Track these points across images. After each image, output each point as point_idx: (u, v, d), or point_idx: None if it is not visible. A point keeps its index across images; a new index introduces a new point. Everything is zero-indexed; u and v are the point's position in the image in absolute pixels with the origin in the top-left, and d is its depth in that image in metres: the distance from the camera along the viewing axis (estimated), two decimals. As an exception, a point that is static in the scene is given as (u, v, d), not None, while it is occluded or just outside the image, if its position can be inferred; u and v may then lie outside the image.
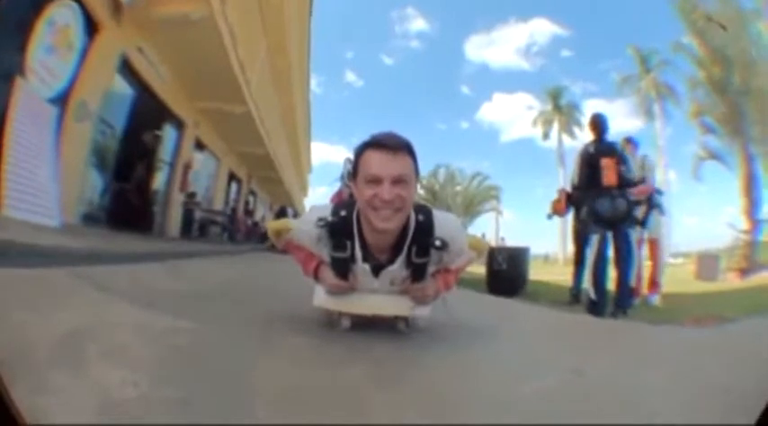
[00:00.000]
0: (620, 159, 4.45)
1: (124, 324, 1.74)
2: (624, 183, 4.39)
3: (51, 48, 4.67)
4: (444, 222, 1.87)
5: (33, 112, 4.32)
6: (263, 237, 15.92)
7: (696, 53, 18.52)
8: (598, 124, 4.71)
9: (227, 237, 12.56)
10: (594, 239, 4.42)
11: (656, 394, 1.48)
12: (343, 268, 1.90)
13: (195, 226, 10.74)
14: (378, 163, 1.67)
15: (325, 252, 1.94)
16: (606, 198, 4.32)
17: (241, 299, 3.19)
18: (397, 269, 1.87)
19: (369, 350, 1.81)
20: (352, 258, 1.86)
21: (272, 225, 2.19)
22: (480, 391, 1.47)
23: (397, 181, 1.66)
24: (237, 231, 13.97)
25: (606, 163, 4.39)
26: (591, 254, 4.43)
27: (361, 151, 1.75)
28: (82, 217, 6.17)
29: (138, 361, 1.30)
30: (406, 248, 1.83)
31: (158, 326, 1.76)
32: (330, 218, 1.84)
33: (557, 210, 5.47)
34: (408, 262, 1.86)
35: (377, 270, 1.87)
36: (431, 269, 1.95)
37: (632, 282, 4.72)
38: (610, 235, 4.41)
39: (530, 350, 2.33)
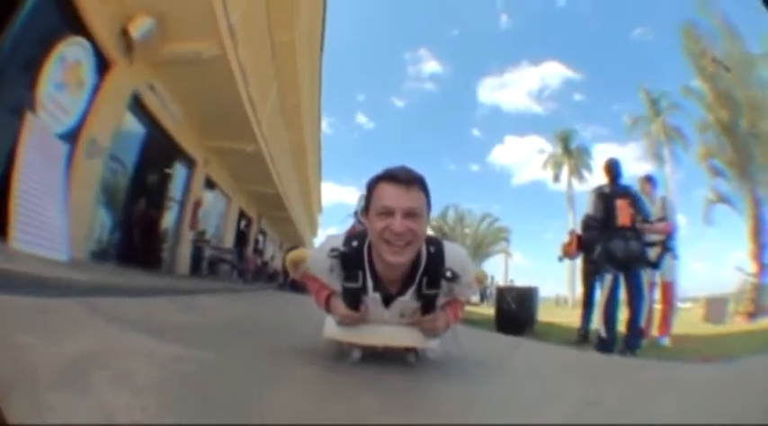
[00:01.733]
0: (634, 200, 4.50)
1: (132, 352, 1.73)
2: (641, 221, 4.43)
3: (62, 85, 4.71)
4: (454, 254, 1.88)
5: (44, 147, 4.32)
6: (273, 276, 15.85)
7: (705, 97, 18.85)
8: (612, 169, 4.76)
9: (236, 276, 12.45)
10: (607, 279, 4.43)
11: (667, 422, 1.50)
12: (354, 298, 1.89)
13: (204, 264, 10.67)
14: (390, 195, 1.69)
15: (337, 283, 1.92)
16: (620, 239, 4.33)
17: (250, 333, 3.19)
18: (408, 300, 1.86)
19: (379, 381, 1.79)
20: (364, 289, 1.84)
21: (290, 255, 2.17)
22: (493, 420, 1.44)
23: (409, 214, 1.66)
24: (247, 270, 13.87)
25: (620, 204, 4.45)
26: (603, 294, 4.45)
27: (374, 184, 1.77)
28: (90, 254, 6.11)
29: (146, 387, 1.26)
30: (417, 279, 1.82)
31: (167, 355, 1.74)
32: (342, 249, 1.84)
33: (567, 253, 5.53)
34: (419, 294, 1.84)
35: (387, 301, 1.86)
36: (441, 301, 1.95)
37: (642, 323, 4.65)
38: (621, 276, 4.41)
39: (540, 383, 2.35)
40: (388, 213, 1.66)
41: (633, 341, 4.24)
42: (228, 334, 2.95)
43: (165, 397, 1.21)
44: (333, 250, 1.84)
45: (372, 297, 1.85)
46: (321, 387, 1.68)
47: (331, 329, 2.01)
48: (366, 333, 1.96)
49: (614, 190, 4.58)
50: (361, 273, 1.83)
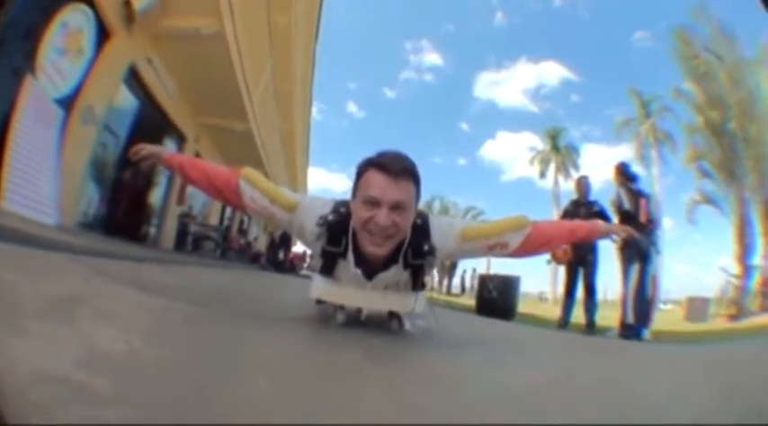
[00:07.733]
0: (648, 202, 5.17)
1: (119, 298, 1.75)
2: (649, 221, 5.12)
3: (62, 51, 4.75)
4: (439, 228, 1.83)
5: (40, 110, 4.37)
6: (255, 257, 15.87)
7: (695, 98, 19.18)
8: (630, 172, 5.46)
9: (219, 254, 12.49)
10: (635, 269, 5.02)
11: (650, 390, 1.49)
12: (331, 261, 1.86)
13: (189, 240, 10.70)
14: (378, 185, 1.59)
15: (318, 248, 1.87)
16: (643, 234, 4.82)
17: (235, 298, 3.18)
18: (391, 275, 1.84)
19: (364, 339, 1.82)
20: (344, 255, 1.81)
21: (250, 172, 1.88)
22: (474, 376, 1.45)
23: (396, 207, 1.59)
24: (230, 249, 13.90)
25: (643, 203, 5.12)
26: (633, 283, 5.03)
27: (363, 169, 1.66)
28: (78, 222, 6.12)
29: (132, 326, 1.29)
30: (402, 255, 1.79)
31: (153, 304, 1.76)
32: (330, 217, 1.78)
33: (558, 257, 5.48)
34: (405, 263, 1.81)
35: (370, 275, 1.83)
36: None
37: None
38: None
39: (519, 352, 2.45)
40: (375, 203, 1.59)
41: (645, 322, 4.92)
42: (213, 294, 3.01)
43: (151, 334, 1.24)
44: (321, 218, 1.78)
45: (354, 273, 1.81)
46: (305, 337, 1.76)
47: (318, 289, 1.94)
48: (353, 296, 1.92)
49: (639, 191, 5.26)
50: (344, 239, 1.78)
